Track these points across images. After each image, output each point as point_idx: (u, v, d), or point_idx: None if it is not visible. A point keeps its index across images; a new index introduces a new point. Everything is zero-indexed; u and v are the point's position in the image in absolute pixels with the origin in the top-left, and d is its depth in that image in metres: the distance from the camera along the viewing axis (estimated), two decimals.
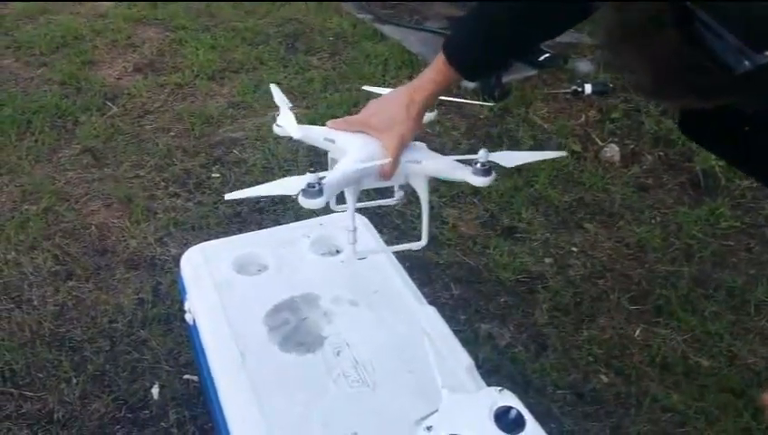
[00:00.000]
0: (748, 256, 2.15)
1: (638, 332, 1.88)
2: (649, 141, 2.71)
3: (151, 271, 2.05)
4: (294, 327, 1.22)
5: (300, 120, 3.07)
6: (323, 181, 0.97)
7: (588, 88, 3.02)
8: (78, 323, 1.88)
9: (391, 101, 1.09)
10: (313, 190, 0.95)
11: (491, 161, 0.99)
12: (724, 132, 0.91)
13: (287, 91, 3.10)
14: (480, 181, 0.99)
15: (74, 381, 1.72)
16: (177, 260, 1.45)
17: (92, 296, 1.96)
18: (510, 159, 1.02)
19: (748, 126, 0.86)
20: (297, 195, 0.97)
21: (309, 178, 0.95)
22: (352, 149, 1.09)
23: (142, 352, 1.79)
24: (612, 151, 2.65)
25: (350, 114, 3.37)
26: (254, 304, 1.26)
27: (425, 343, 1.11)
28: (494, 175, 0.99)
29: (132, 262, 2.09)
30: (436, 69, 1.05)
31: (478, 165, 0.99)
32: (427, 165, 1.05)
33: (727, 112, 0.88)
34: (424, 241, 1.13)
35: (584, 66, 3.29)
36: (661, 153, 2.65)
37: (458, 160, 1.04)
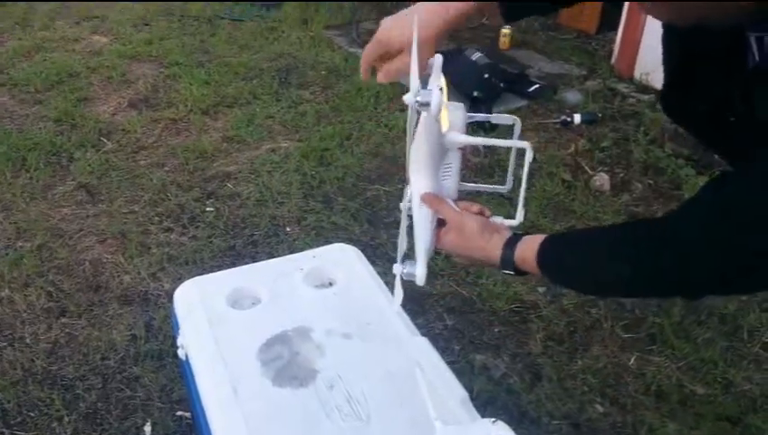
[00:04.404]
0: None
1: (632, 360, 1.88)
2: (639, 170, 2.74)
3: (144, 306, 2.05)
4: (287, 361, 1.22)
5: (292, 153, 3.07)
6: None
7: (577, 118, 3.06)
8: (70, 360, 1.87)
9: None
10: (409, 272, 0.99)
11: None
12: (706, 117, 0.95)
13: (280, 125, 3.17)
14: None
15: (66, 419, 1.70)
16: (170, 295, 1.45)
17: (85, 333, 1.95)
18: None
19: (734, 117, 0.89)
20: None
21: (396, 268, 1.00)
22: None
23: (135, 389, 1.78)
24: (602, 180, 2.68)
25: (344, 146, 3.38)
26: (247, 339, 1.26)
27: (417, 376, 1.12)
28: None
29: (126, 298, 2.09)
30: None
31: None
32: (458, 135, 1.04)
33: (712, 97, 0.92)
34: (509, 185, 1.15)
35: (573, 96, 3.35)
36: (650, 181, 2.68)
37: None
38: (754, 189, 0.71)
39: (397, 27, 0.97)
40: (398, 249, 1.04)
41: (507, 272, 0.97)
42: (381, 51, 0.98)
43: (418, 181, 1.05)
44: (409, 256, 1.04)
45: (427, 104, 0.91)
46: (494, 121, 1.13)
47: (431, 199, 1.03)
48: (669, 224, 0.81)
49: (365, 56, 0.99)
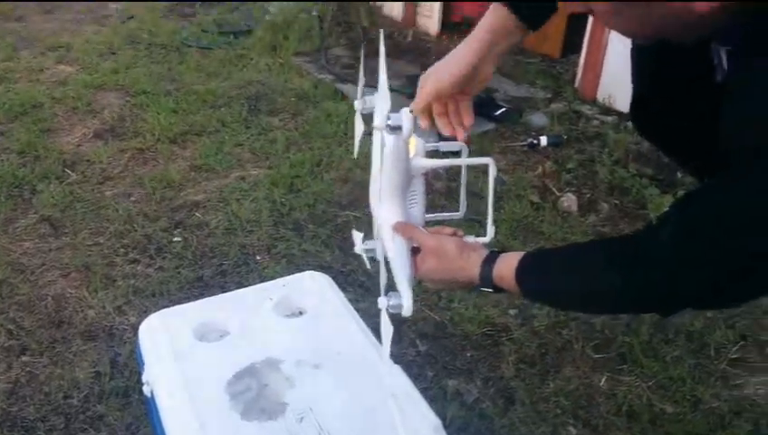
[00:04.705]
0: None
1: (603, 380, 1.89)
2: (605, 190, 2.78)
3: (109, 342, 2.00)
4: (256, 394, 1.20)
5: (262, 181, 3.04)
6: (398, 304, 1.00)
7: (543, 140, 3.11)
8: (31, 400, 1.81)
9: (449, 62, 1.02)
10: (395, 304, 0.99)
11: None
12: (678, 133, 0.97)
13: (249, 152, 3.15)
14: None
15: None
16: (136, 329, 1.42)
17: (47, 371, 1.89)
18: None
19: (706, 133, 0.91)
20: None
21: (381, 302, 0.99)
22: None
23: (99, 429, 1.72)
24: (570, 201, 2.71)
25: (314, 172, 3.36)
26: (214, 372, 1.24)
27: (390, 405, 1.11)
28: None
29: (90, 333, 2.03)
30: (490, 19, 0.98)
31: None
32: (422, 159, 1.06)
33: (684, 113, 0.94)
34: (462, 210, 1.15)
35: (538, 119, 3.40)
36: (616, 201, 2.73)
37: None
38: (731, 199, 0.72)
39: (437, 74, 1.01)
40: (380, 283, 1.03)
41: (486, 289, 0.97)
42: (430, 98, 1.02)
43: (388, 211, 1.05)
44: (389, 287, 1.04)
45: (398, 128, 0.91)
46: (442, 150, 1.14)
47: (404, 228, 1.03)
48: (641, 241, 0.82)
49: (419, 107, 1.03)
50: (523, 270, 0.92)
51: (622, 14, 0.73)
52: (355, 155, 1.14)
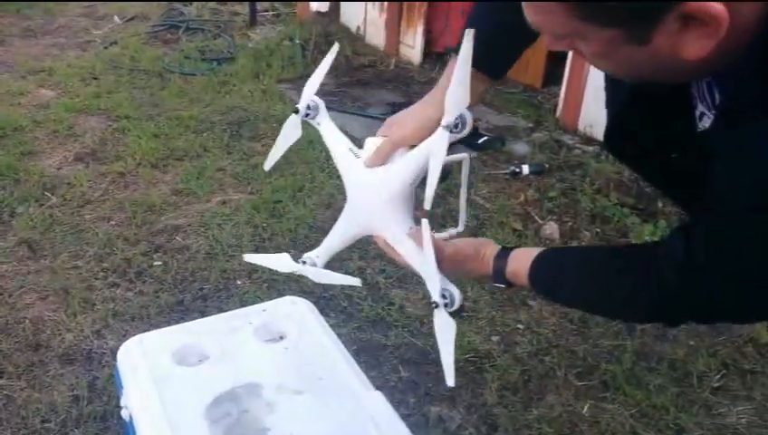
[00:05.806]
0: (687, 328, 2.20)
1: (585, 408, 1.89)
2: (586, 219, 2.81)
3: (88, 365, 1.96)
4: (236, 420, 1.18)
5: (243, 206, 3.03)
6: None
7: (525, 168, 3.11)
8: (8, 424, 1.76)
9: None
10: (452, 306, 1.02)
11: None
12: (648, 154, 0.99)
13: (231, 177, 3.13)
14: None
15: None
16: (115, 353, 1.39)
17: (24, 395, 1.85)
18: None
19: (676, 153, 0.93)
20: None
21: (440, 301, 1.02)
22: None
23: None
24: (551, 229, 2.73)
25: (296, 197, 3.35)
26: (194, 397, 1.21)
27: (371, 433, 1.09)
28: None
29: (68, 356, 1.99)
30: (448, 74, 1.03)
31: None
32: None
33: (652, 135, 0.95)
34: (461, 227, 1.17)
35: (521, 148, 3.44)
36: (598, 230, 2.75)
37: None
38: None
39: (401, 122, 1.08)
40: (429, 286, 1.03)
41: (498, 285, 1.03)
42: (394, 148, 1.08)
43: (399, 216, 1.08)
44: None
45: (464, 125, 0.95)
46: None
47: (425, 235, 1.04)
48: (657, 255, 0.82)
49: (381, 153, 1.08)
50: (536, 271, 0.97)
51: (611, 58, 0.73)
52: (267, 167, 1.17)
